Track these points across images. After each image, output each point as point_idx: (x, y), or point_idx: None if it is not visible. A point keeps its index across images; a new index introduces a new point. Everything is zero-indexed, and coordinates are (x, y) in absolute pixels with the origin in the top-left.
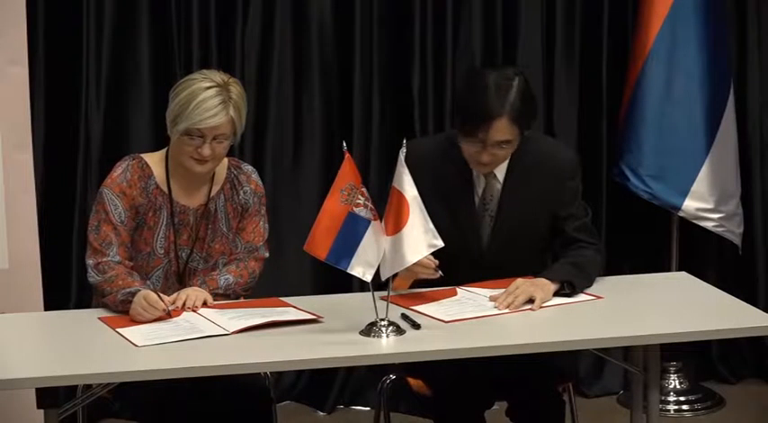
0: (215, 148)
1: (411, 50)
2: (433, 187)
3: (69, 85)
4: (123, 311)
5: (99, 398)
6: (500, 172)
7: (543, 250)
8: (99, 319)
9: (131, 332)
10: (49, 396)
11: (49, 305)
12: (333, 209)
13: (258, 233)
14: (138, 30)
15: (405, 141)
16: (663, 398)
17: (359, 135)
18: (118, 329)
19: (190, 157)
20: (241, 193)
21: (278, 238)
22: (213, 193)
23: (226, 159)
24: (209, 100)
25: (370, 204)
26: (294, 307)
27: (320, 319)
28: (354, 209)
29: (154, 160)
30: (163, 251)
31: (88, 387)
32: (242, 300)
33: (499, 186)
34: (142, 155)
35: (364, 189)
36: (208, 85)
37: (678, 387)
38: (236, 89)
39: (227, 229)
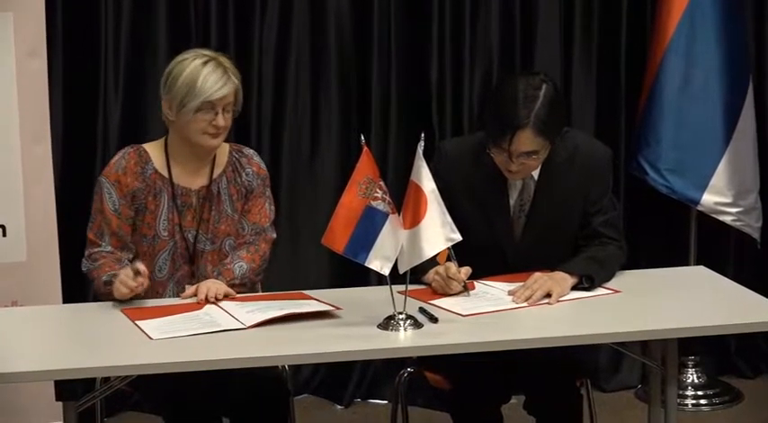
0: (226, 119)
1: (429, 44)
2: (466, 188)
3: (87, 77)
4: (107, 293)
5: (118, 390)
6: (535, 172)
7: (576, 246)
8: (121, 311)
9: (148, 325)
10: (68, 388)
11: (68, 297)
12: (351, 202)
13: (264, 214)
14: (157, 22)
15: (422, 135)
16: (681, 392)
17: (377, 129)
18: (136, 322)
19: (204, 133)
20: (243, 175)
21: (296, 232)
22: (215, 176)
23: (227, 144)
24: (213, 73)
25: (387, 198)
26: (318, 300)
27: (338, 310)
28: (372, 202)
29: (152, 147)
30: (167, 233)
31: (107, 380)
32: (265, 293)
33: (534, 186)
34: (141, 144)
35: (382, 182)
36: (203, 60)
37: (696, 381)
38: (226, 60)
39: (231, 211)
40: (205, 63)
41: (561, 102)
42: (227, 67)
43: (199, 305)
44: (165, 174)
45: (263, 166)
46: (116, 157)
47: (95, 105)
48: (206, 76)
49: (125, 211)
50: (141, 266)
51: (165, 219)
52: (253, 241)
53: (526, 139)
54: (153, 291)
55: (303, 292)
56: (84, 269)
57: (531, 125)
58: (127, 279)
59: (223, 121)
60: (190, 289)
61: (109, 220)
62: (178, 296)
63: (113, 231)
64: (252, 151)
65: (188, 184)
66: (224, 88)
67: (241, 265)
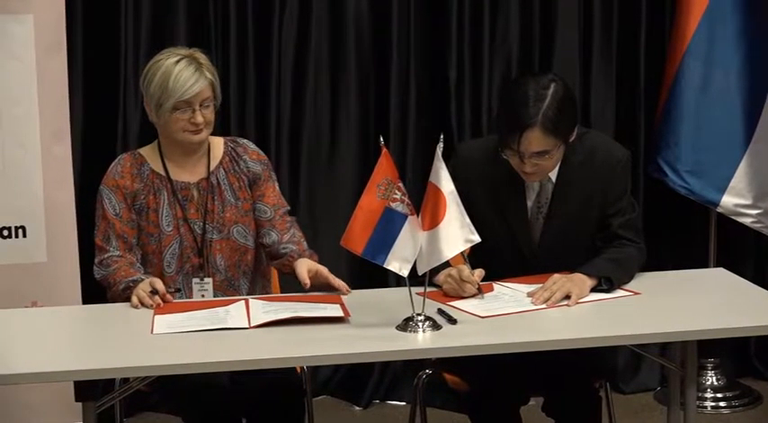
0: (205, 115)
1: (448, 44)
2: (484, 190)
3: (107, 77)
4: (126, 300)
5: (137, 391)
6: (553, 173)
7: (594, 248)
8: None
9: (163, 319)
10: (87, 389)
11: (87, 298)
12: (370, 204)
13: (279, 195)
14: (176, 23)
15: (441, 136)
16: (700, 394)
17: (395, 130)
18: (156, 316)
19: (184, 131)
20: (241, 163)
21: (314, 233)
22: (213, 168)
23: (221, 138)
24: (185, 71)
25: (406, 199)
26: (342, 306)
27: (351, 314)
28: (391, 204)
29: (147, 150)
30: (171, 228)
31: (126, 380)
32: (299, 294)
33: (552, 188)
34: (136, 149)
35: (401, 184)
36: (176, 59)
37: (715, 383)
38: (201, 56)
39: (234, 199)
40: (177, 61)
41: (572, 101)
42: (203, 62)
43: (227, 302)
44: (162, 172)
45: (260, 152)
46: (112, 165)
47: (115, 105)
48: (177, 75)
49: (126, 214)
50: (160, 285)
51: (168, 214)
52: (291, 222)
53: (535, 139)
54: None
55: (342, 296)
56: (97, 276)
57: (539, 124)
58: (144, 295)
59: (201, 117)
60: (306, 273)
61: (112, 224)
62: (187, 290)
63: (118, 234)
64: (246, 140)
65: (186, 178)
66: (196, 85)
67: (304, 243)
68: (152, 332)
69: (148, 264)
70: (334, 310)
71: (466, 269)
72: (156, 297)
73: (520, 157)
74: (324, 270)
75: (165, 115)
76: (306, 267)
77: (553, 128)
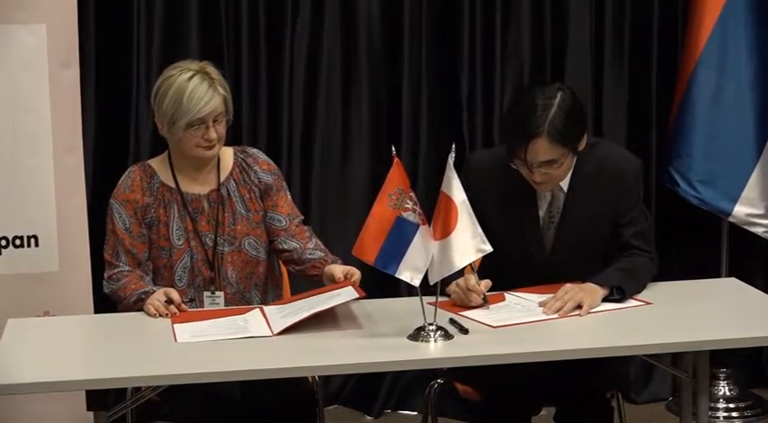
0: (218, 130)
1: (460, 55)
2: (496, 200)
3: (119, 87)
4: (138, 311)
5: (148, 400)
6: (564, 183)
7: (606, 258)
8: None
9: (183, 328)
10: (99, 398)
11: (99, 307)
12: (381, 213)
13: (292, 205)
14: (188, 33)
15: (453, 146)
16: (712, 404)
17: (407, 139)
18: (174, 324)
19: (198, 147)
20: (252, 173)
21: (326, 242)
22: (223, 179)
23: (230, 148)
24: (198, 88)
25: (418, 209)
26: (355, 287)
27: (369, 319)
28: (403, 213)
29: (157, 162)
30: (181, 241)
31: (137, 389)
32: (311, 290)
33: (564, 197)
34: (146, 161)
35: (413, 193)
36: (188, 75)
37: (728, 394)
38: (212, 70)
39: (245, 211)
40: (190, 78)
41: (579, 110)
42: (215, 77)
43: (243, 311)
44: (172, 184)
45: (271, 162)
46: (122, 178)
47: (127, 115)
48: (191, 92)
49: (136, 228)
50: (175, 295)
51: (179, 227)
52: (310, 231)
53: (541, 148)
54: None
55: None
56: (106, 291)
57: (545, 133)
58: (159, 304)
59: (215, 133)
60: (341, 273)
61: (122, 239)
62: (198, 303)
63: (127, 250)
64: (256, 150)
65: (196, 190)
66: (210, 103)
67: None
68: (176, 341)
69: (159, 277)
70: (348, 294)
71: (472, 278)
72: (172, 306)
73: (528, 167)
74: (357, 271)
75: (179, 132)
76: (342, 271)
77: (560, 137)
